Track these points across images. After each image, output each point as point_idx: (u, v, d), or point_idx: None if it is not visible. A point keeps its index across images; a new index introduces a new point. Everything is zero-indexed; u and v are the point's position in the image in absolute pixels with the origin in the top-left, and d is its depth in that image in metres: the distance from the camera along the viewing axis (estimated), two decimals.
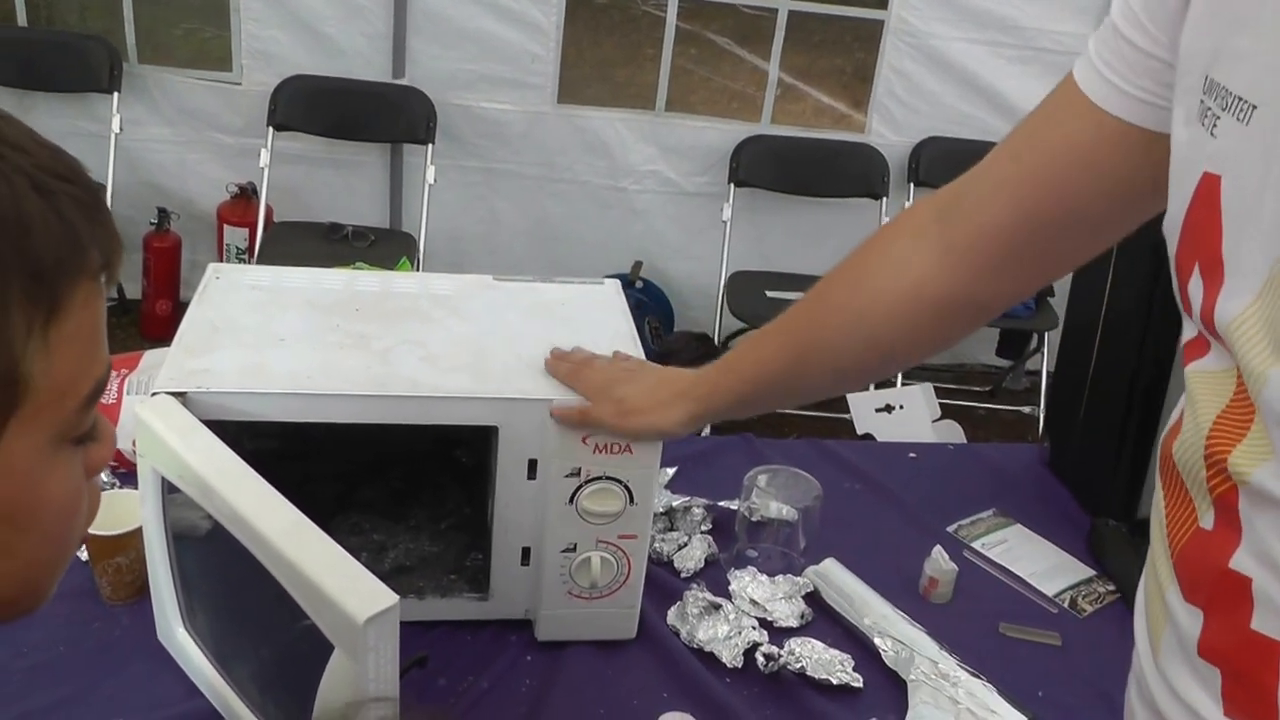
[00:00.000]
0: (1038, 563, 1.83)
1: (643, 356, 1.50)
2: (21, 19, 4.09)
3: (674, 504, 1.74)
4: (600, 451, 1.38)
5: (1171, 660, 0.88)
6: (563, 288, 1.69)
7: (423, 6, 3.92)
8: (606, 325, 1.59)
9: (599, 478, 1.39)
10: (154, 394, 1.32)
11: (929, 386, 3.31)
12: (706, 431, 3.68)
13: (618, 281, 1.72)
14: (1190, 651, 0.85)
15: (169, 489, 1.29)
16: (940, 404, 3.40)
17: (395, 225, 4.23)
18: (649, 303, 4.20)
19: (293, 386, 1.36)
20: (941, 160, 4.17)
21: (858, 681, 1.49)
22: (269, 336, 1.47)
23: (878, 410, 3.11)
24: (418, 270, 3.86)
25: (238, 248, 4.11)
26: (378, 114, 4.03)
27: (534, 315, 1.60)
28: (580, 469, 1.38)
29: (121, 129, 3.97)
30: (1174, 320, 1.73)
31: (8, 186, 0.60)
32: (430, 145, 3.99)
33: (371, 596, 1.05)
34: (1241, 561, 0.79)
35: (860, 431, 3.08)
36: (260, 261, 3.85)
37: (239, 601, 1.30)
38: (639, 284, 4.21)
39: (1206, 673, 0.84)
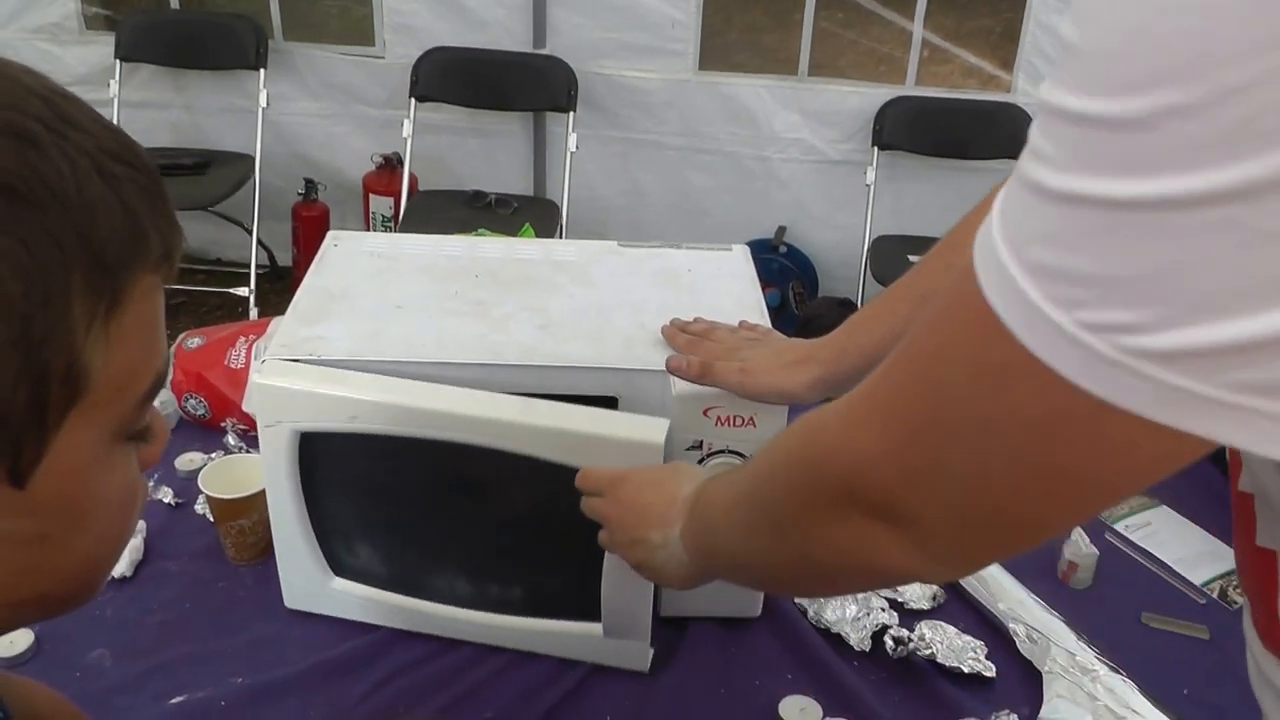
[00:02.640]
0: (1185, 548, 1.73)
1: (769, 325, 1.44)
2: (175, 2, 4.21)
3: None
4: (723, 424, 1.33)
5: None
6: (690, 254, 1.64)
7: None
8: (733, 292, 1.54)
9: (721, 451, 1.34)
10: (264, 361, 1.33)
11: None
12: None
13: (746, 248, 1.66)
14: None
15: (311, 445, 1.33)
16: None
17: (539, 193, 4.25)
18: (793, 268, 4.14)
19: (406, 354, 1.35)
20: None
21: (990, 671, 1.43)
22: (385, 304, 1.46)
23: None
24: (560, 238, 3.86)
25: (383, 215, 4.17)
26: (519, 84, 4.04)
27: (659, 282, 1.56)
28: (702, 442, 1.34)
29: (269, 104, 4.07)
30: None
31: (71, 168, 0.57)
32: (572, 114, 3.98)
33: (649, 425, 1.26)
34: None
35: None
36: (404, 229, 3.90)
37: (437, 513, 1.40)
38: (783, 249, 4.15)
39: None
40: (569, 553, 1.38)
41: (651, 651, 1.42)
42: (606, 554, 1.28)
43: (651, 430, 1.26)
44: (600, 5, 3.94)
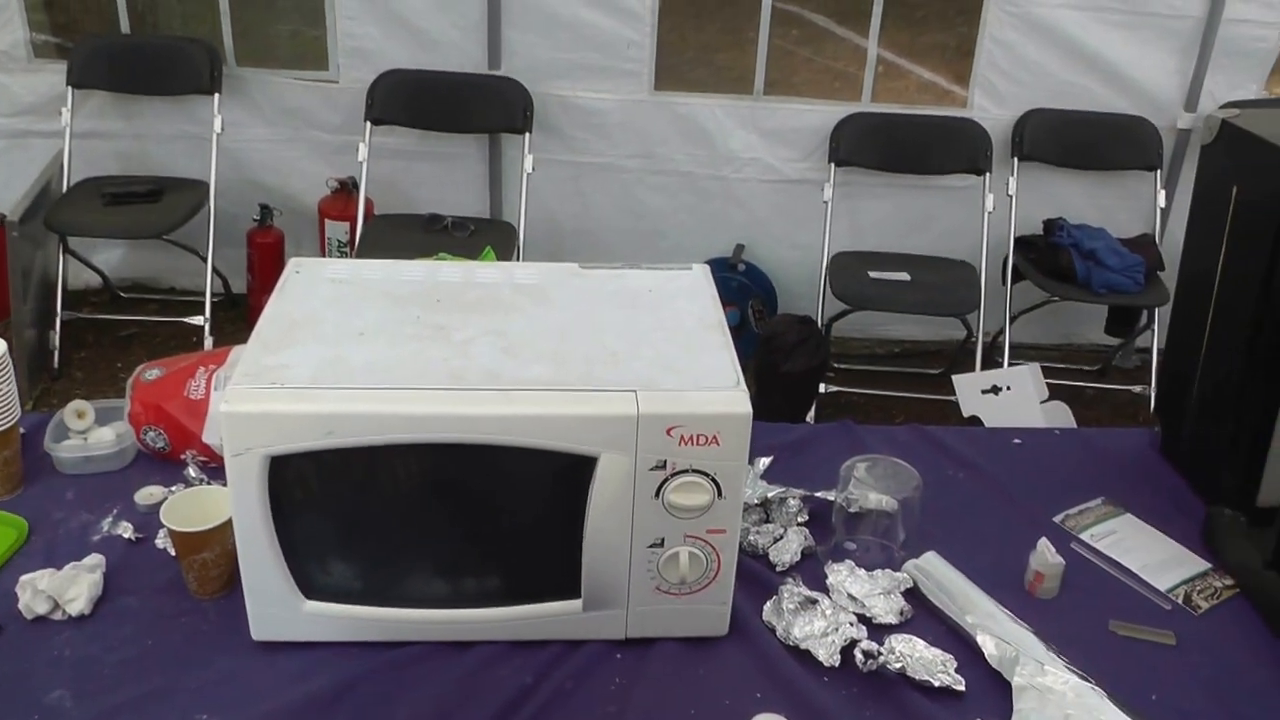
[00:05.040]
0: (1150, 555, 1.74)
1: (728, 340, 1.46)
2: (125, 26, 4.18)
3: (769, 495, 1.69)
4: (686, 443, 1.34)
5: None
6: (650, 274, 1.66)
7: None
8: (694, 311, 1.55)
9: (685, 470, 1.35)
10: (227, 390, 1.32)
11: (1036, 367, 3.23)
12: (811, 417, 3.67)
13: (706, 267, 1.68)
14: None
15: (283, 469, 1.33)
16: (1048, 384, 3.31)
17: (495, 216, 4.24)
18: (752, 286, 4.15)
19: (370, 380, 1.36)
20: (1046, 132, 4.05)
21: (960, 684, 1.43)
22: (348, 330, 1.47)
23: (984, 392, 3.04)
24: (516, 260, 3.86)
25: (339, 241, 4.15)
26: (474, 105, 4.04)
27: (620, 303, 1.57)
28: (666, 461, 1.34)
29: (223, 129, 4.04)
30: None
31: None
32: (527, 135, 3.98)
33: (615, 399, 1.32)
34: None
35: (966, 414, 3.01)
36: (361, 254, 3.88)
37: (416, 517, 1.42)
38: (741, 267, 4.16)
39: None
40: (547, 533, 1.42)
41: (628, 617, 1.45)
42: (586, 525, 1.35)
43: (624, 404, 1.32)
44: (555, 26, 3.94)
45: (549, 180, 4.09)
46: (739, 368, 1.42)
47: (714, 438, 1.33)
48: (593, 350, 1.44)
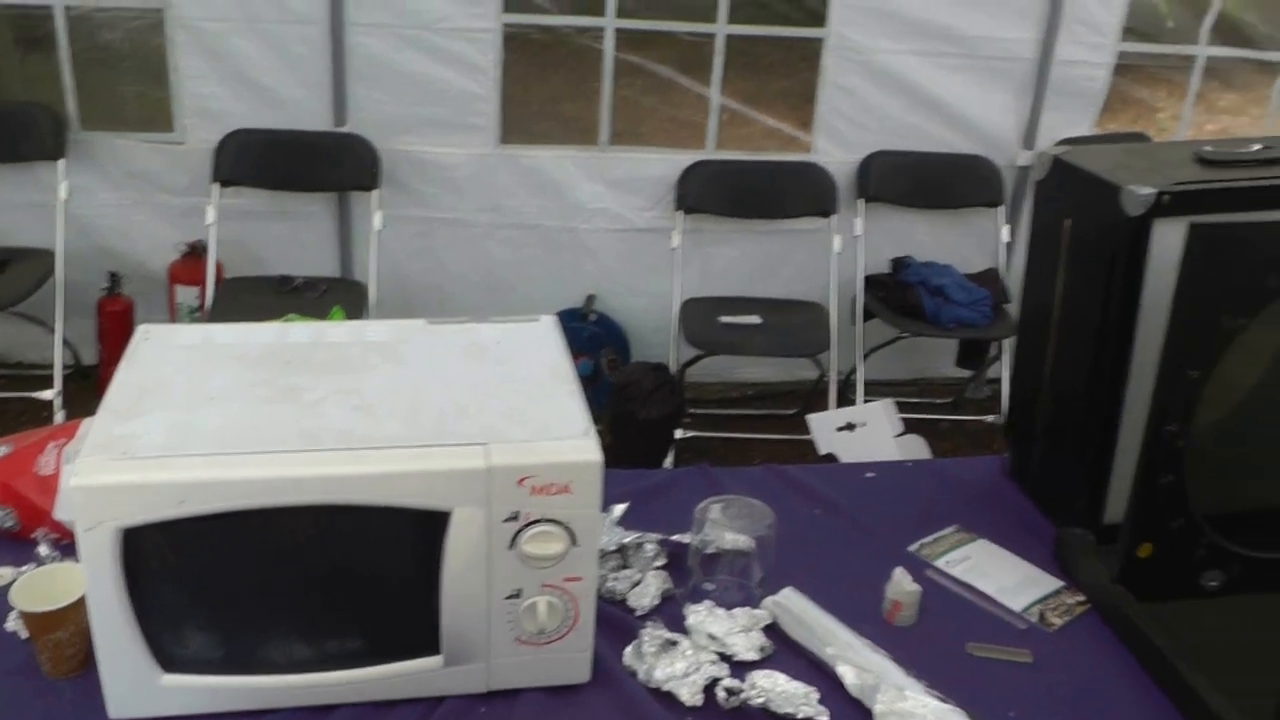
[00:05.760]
0: (1004, 578, 1.79)
1: (577, 389, 1.46)
2: None
3: (625, 541, 1.69)
4: (539, 493, 1.34)
5: None
6: (498, 327, 1.66)
7: (361, 52, 3.89)
8: (542, 361, 1.57)
9: (539, 520, 1.35)
10: (76, 463, 1.29)
11: (890, 402, 3.28)
12: (669, 463, 3.69)
13: (554, 318, 1.69)
14: None
15: (136, 541, 1.30)
16: (903, 418, 3.37)
17: (346, 274, 4.19)
18: (604, 335, 4.17)
19: (221, 446, 1.33)
20: (890, 174, 4.16)
21: (823, 715, 1.44)
22: (198, 396, 1.44)
23: (839, 429, 3.08)
24: (367, 319, 3.82)
25: (190, 306, 4.06)
26: (322, 163, 4.01)
27: (469, 356, 1.58)
28: (519, 512, 1.34)
29: (69, 195, 3.93)
30: (1128, 321, 1.74)
31: None
32: (375, 192, 3.95)
33: (466, 453, 1.32)
34: None
35: (822, 452, 3.05)
36: (212, 318, 3.81)
37: (273, 582, 1.39)
38: (593, 317, 4.18)
39: None
40: (405, 591, 1.40)
41: (490, 669, 1.44)
42: (443, 581, 1.34)
43: (475, 457, 1.32)
44: (400, 81, 3.93)
45: (399, 237, 4.07)
46: (588, 416, 1.42)
47: (566, 486, 1.34)
48: (443, 405, 1.44)
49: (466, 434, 1.37)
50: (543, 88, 4.65)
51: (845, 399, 3.95)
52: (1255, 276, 1.59)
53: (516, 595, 1.40)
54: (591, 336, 4.14)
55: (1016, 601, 1.73)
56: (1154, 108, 5.85)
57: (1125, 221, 1.72)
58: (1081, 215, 1.85)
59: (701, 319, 3.88)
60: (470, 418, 1.41)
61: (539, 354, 1.58)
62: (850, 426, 3.21)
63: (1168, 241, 1.68)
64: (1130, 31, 4.34)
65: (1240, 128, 5.35)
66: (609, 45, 4.02)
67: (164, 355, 1.55)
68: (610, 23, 3.99)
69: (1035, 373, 1.99)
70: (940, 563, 1.81)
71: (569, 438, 1.38)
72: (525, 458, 1.34)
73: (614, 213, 4.15)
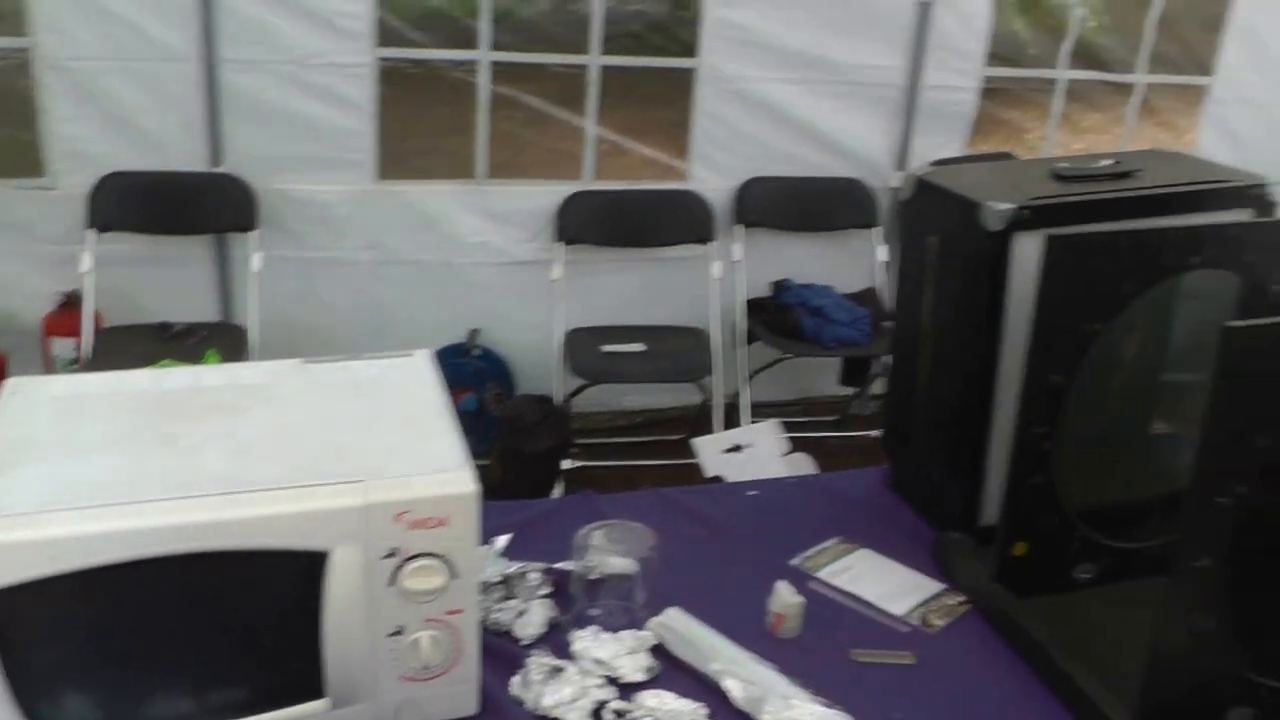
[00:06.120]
0: (886, 584, 1.83)
1: (453, 423, 1.47)
2: None
3: (509, 572, 1.70)
4: (416, 528, 1.34)
5: None
6: (373, 364, 1.66)
7: (235, 90, 3.84)
8: (417, 397, 1.56)
9: (418, 555, 1.35)
10: None
11: (776, 422, 3.33)
12: (558, 492, 3.69)
13: (428, 352, 1.69)
14: None
15: (8, 602, 1.26)
16: (791, 438, 3.42)
17: (228, 318, 4.13)
18: (489, 369, 4.16)
19: (95, 499, 1.30)
20: (766, 199, 4.23)
21: None
22: (71, 449, 1.41)
23: (726, 451, 3.12)
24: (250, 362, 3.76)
25: (66, 359, 3.96)
26: (198, 205, 3.94)
27: (345, 395, 1.57)
28: (397, 548, 1.34)
29: None
30: (994, 331, 1.79)
31: None
32: (254, 233, 3.91)
33: (343, 491, 1.31)
34: None
35: (709, 475, 3.08)
36: (91, 369, 3.72)
37: (151, 635, 1.34)
38: (477, 352, 4.16)
39: None
40: (287, 635, 1.38)
41: (376, 708, 1.42)
42: (324, 622, 1.31)
43: (352, 495, 1.32)
44: (275, 119, 3.89)
45: (280, 278, 4.02)
46: (464, 449, 1.43)
47: (443, 519, 1.34)
48: (320, 444, 1.43)
49: (343, 472, 1.36)
50: (423, 122, 4.65)
51: (732, 422, 3.99)
52: (1110, 283, 1.66)
53: (399, 632, 1.39)
54: (476, 371, 4.13)
55: (899, 606, 1.77)
56: (1023, 129, 6.03)
57: (986, 236, 1.78)
58: (946, 232, 1.90)
59: (585, 349, 3.90)
60: (347, 456, 1.40)
61: (414, 389, 1.58)
62: (737, 448, 3.25)
63: (1028, 254, 1.74)
64: (995, 57, 4.49)
65: (1104, 145, 5.53)
66: (483, 78, 4.03)
67: (34, 408, 1.51)
68: (484, 56, 4.01)
69: (909, 385, 2.04)
70: (823, 574, 1.84)
71: (445, 470, 1.38)
72: (401, 493, 1.34)
73: (494, 246, 4.15)
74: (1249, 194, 1.95)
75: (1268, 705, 1.52)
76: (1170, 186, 1.92)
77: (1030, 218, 1.77)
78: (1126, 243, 1.67)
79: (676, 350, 3.99)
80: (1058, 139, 4.96)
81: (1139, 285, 1.68)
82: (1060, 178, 1.93)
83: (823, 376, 4.47)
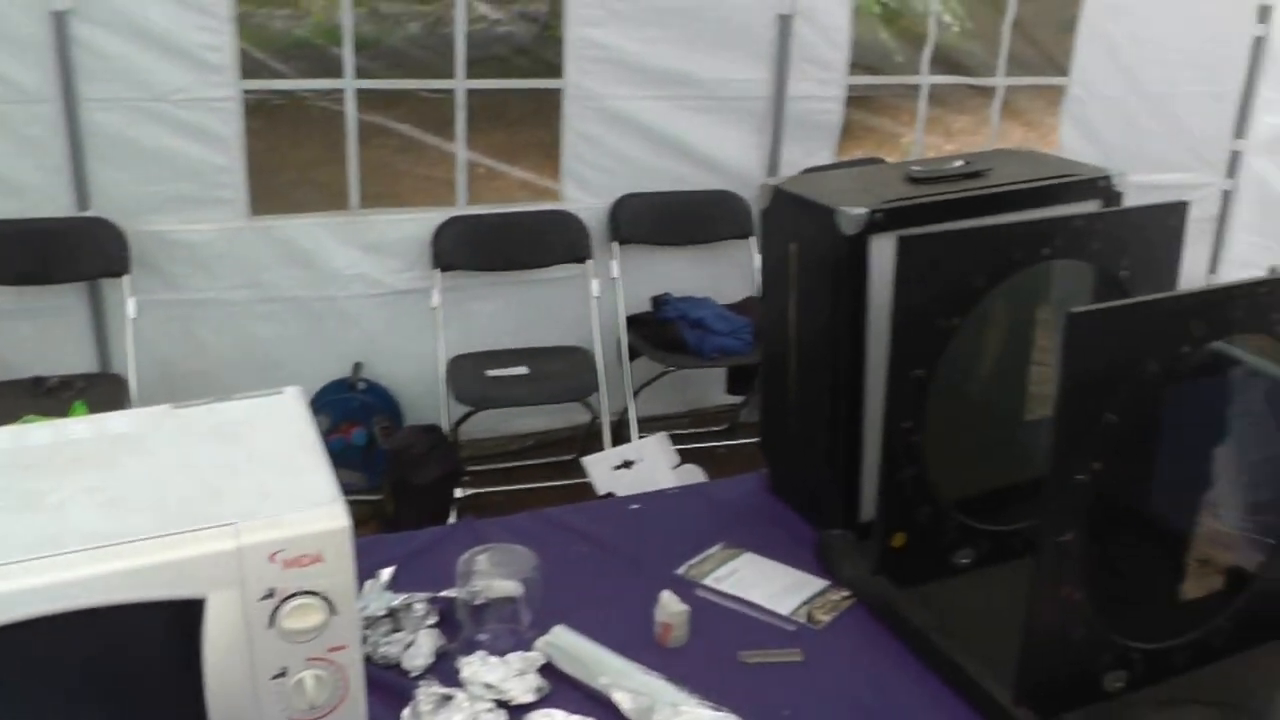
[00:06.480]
0: (770, 585, 1.86)
1: (324, 459, 1.46)
2: None
3: (394, 604, 1.70)
4: (292, 566, 1.33)
5: None
6: (242, 404, 1.64)
7: (98, 130, 3.73)
8: (288, 434, 1.55)
9: (295, 594, 1.34)
10: None
11: (664, 436, 3.36)
12: (453, 521, 3.68)
13: (298, 389, 1.68)
14: None
15: None
16: (681, 449, 3.45)
17: (105, 368, 4.04)
18: (375, 403, 4.11)
19: None
20: (642, 215, 4.27)
21: None
22: None
23: (616, 468, 3.13)
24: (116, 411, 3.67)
25: None
26: (67, 252, 3.81)
27: (216, 438, 1.55)
28: (274, 589, 1.33)
29: None
30: (858, 332, 1.84)
31: None
32: (127, 277, 3.81)
33: (215, 535, 1.29)
34: None
35: (601, 493, 3.10)
36: None
37: (33, 699, 1.31)
38: (362, 386, 4.12)
39: None
40: (169, 687, 1.36)
41: None
42: (205, 670, 1.30)
43: (225, 539, 1.30)
44: (142, 158, 3.79)
45: (156, 323, 3.92)
46: (335, 484, 1.42)
47: (318, 556, 1.33)
48: (192, 490, 1.41)
49: (215, 516, 1.34)
50: (293, 154, 4.61)
51: (621, 438, 4.01)
52: (963, 279, 1.71)
53: (283, 674, 1.38)
54: (362, 405, 4.08)
55: (784, 606, 1.81)
56: (896, 134, 6.17)
57: (843, 240, 1.82)
58: (805, 238, 1.95)
59: (469, 375, 3.89)
60: (219, 500, 1.39)
61: (285, 427, 1.57)
62: (628, 464, 3.27)
63: (884, 255, 1.79)
64: (860, 66, 4.60)
65: (974, 146, 5.69)
66: (350, 107, 4.00)
67: None
68: (350, 84, 3.98)
69: (781, 390, 2.08)
70: (708, 580, 1.87)
71: (317, 506, 1.37)
72: (274, 532, 1.33)
73: (372, 277, 4.11)
74: (1096, 186, 2.03)
75: (1139, 667, 1.59)
76: (1020, 183, 1.98)
77: (884, 220, 1.83)
78: (976, 239, 1.72)
79: (561, 371, 4.00)
80: (930, 142, 5.09)
81: (992, 279, 1.74)
82: (914, 180, 1.99)
83: (709, 387, 4.51)
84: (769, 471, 2.18)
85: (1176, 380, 1.50)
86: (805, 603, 1.82)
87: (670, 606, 1.70)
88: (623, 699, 1.52)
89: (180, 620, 1.32)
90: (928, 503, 1.80)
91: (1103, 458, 1.45)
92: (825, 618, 1.79)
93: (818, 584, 1.87)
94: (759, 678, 1.65)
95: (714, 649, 1.70)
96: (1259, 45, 5.24)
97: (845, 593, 1.85)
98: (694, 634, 1.72)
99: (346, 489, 1.41)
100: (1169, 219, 1.87)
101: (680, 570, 1.90)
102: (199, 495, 1.40)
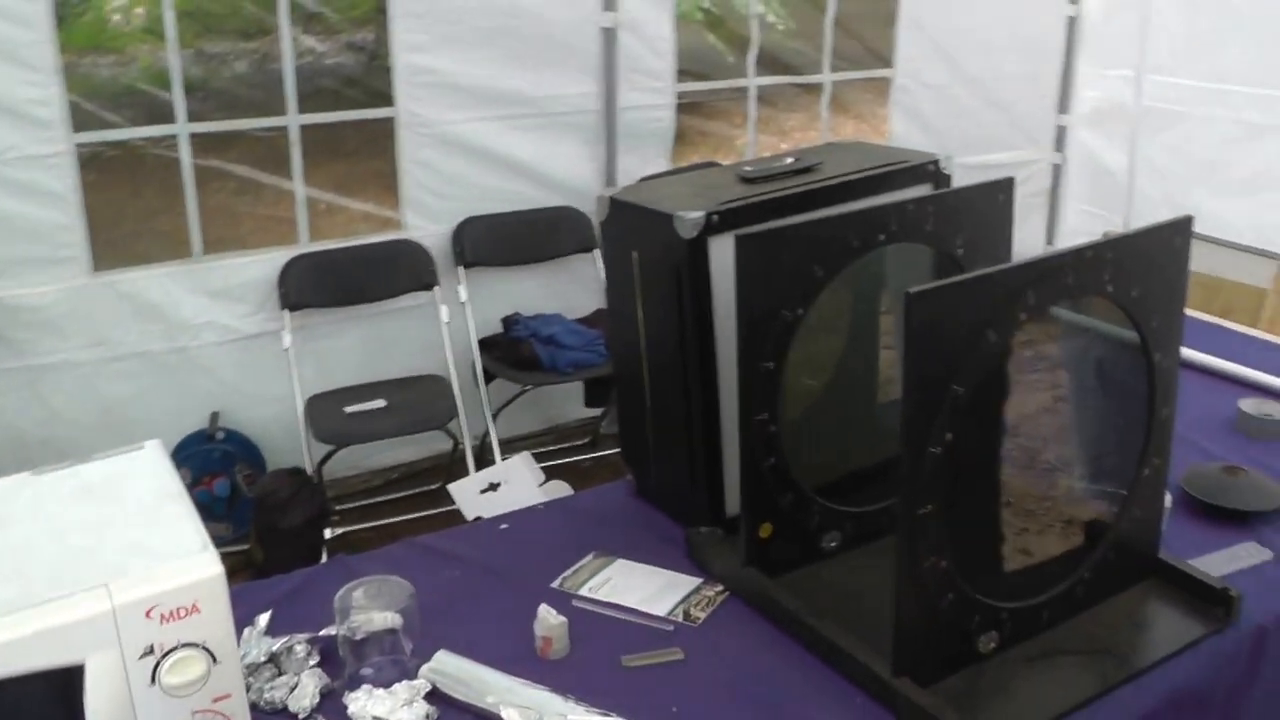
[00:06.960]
0: (645, 588, 1.91)
1: (191, 509, 1.47)
2: None
3: (275, 648, 1.70)
4: (169, 620, 1.33)
5: None
6: (103, 463, 1.63)
7: None
8: (151, 488, 1.55)
9: (175, 648, 1.34)
10: None
11: (527, 455, 3.37)
12: (325, 557, 3.64)
13: (158, 442, 1.67)
14: None
15: None
16: (546, 466, 3.46)
17: None
18: (236, 452, 4.04)
19: None
20: (485, 237, 4.29)
21: None
22: None
23: (482, 492, 3.14)
24: None
25: None
26: None
27: (79, 499, 1.53)
28: (153, 645, 1.33)
29: None
30: (705, 331, 1.89)
31: None
32: None
33: (87, 598, 1.28)
34: None
35: (470, 518, 3.10)
36: None
37: None
38: (221, 435, 4.03)
39: None
40: None
41: None
42: None
43: (98, 601, 1.29)
44: None
45: (3, 392, 3.79)
46: (204, 533, 1.42)
47: (194, 606, 1.34)
48: (59, 555, 1.40)
49: (85, 579, 1.33)
50: (132, 205, 4.49)
51: (485, 461, 4.01)
52: (802, 271, 1.77)
53: None
54: (224, 455, 4.00)
55: (660, 607, 1.85)
56: (730, 137, 6.26)
57: (683, 244, 1.88)
58: (646, 246, 2.00)
59: (327, 413, 3.86)
60: (88, 561, 1.37)
61: (148, 481, 1.56)
62: (494, 486, 3.27)
63: (724, 255, 1.84)
64: (688, 73, 4.68)
65: (809, 143, 5.80)
66: (185, 153, 3.92)
67: None
68: (182, 129, 3.91)
69: (637, 397, 2.12)
70: (584, 590, 1.90)
71: (188, 556, 1.37)
72: (147, 588, 1.33)
73: (221, 323, 4.03)
74: (926, 171, 2.12)
75: (1009, 626, 1.67)
76: (850, 174, 2.06)
77: (720, 222, 1.89)
78: (810, 231, 1.79)
79: (418, 400, 3.99)
80: (765, 142, 5.19)
81: (831, 269, 1.80)
82: (747, 180, 2.06)
83: (567, 402, 4.53)
84: (633, 477, 2.22)
85: (1018, 347, 1.58)
86: (681, 602, 1.87)
87: (548, 620, 1.73)
88: (511, 715, 1.55)
89: (60, 688, 1.30)
90: (790, 491, 1.86)
91: (953, 429, 1.52)
92: (701, 614, 1.83)
93: (691, 582, 1.92)
94: (643, 680, 1.69)
95: (596, 657, 1.74)
96: (1072, 24, 5.51)
97: (719, 588, 1.90)
98: (574, 644, 1.75)
99: (215, 541, 1.41)
100: (998, 195, 1.97)
101: (555, 584, 1.93)
102: (67, 559, 1.39)
